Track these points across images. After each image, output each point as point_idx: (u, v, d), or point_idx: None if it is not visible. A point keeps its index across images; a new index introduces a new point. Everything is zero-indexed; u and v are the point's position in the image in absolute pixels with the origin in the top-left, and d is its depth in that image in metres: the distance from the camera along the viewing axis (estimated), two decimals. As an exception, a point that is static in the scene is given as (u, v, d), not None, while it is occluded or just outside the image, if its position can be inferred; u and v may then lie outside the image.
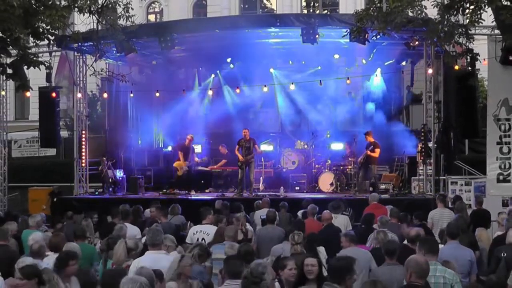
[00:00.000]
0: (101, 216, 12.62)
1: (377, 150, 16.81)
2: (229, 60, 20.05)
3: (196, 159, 18.90)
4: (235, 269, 5.83)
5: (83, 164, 18.53)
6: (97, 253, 8.45)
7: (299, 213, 12.10)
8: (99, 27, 14.49)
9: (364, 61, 19.64)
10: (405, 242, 8.19)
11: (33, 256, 7.23)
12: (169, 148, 21.12)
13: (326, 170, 18.31)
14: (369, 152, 16.71)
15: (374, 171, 17.01)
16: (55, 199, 17.76)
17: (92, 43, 15.47)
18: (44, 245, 7.66)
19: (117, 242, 7.47)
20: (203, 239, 9.29)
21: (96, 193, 18.40)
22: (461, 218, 10.31)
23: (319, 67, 19.82)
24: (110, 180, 18.44)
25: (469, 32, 13.63)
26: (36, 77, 17.86)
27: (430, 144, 16.08)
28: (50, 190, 18.28)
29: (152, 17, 33.04)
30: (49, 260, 7.19)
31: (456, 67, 15.65)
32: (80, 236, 8.68)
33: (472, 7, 12.59)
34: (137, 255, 7.03)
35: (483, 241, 9.20)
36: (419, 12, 13.55)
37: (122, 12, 14.18)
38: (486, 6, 12.44)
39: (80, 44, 16.12)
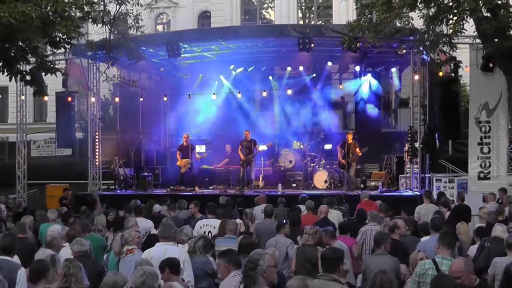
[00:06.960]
0: (109, 210, 12.58)
1: (357, 150, 16.71)
2: (231, 67, 20.08)
3: (197, 155, 18.76)
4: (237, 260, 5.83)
5: (97, 163, 18.59)
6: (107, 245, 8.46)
7: (303, 207, 11.90)
8: (111, 37, 14.52)
9: (356, 68, 19.68)
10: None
11: (47, 247, 7.25)
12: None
13: (321, 168, 18.35)
14: (351, 155, 16.59)
15: (355, 168, 16.93)
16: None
17: (105, 52, 15.47)
18: (57, 237, 7.64)
19: None
20: (209, 232, 9.29)
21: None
22: (438, 213, 10.34)
23: (314, 74, 19.88)
24: (121, 177, 18.46)
25: (453, 41, 13.66)
26: (53, 82, 17.90)
27: (417, 145, 16.10)
28: (61, 195, 18.10)
29: (160, 27, 33.06)
30: (66, 250, 7.22)
31: (441, 74, 15.71)
32: (87, 229, 8.55)
33: (455, 18, 12.65)
34: (134, 243, 7.06)
35: (462, 234, 9.20)
36: (406, 22, 13.63)
37: (133, 23, 14.19)
38: (468, 17, 12.48)
39: (93, 52, 16.10)
